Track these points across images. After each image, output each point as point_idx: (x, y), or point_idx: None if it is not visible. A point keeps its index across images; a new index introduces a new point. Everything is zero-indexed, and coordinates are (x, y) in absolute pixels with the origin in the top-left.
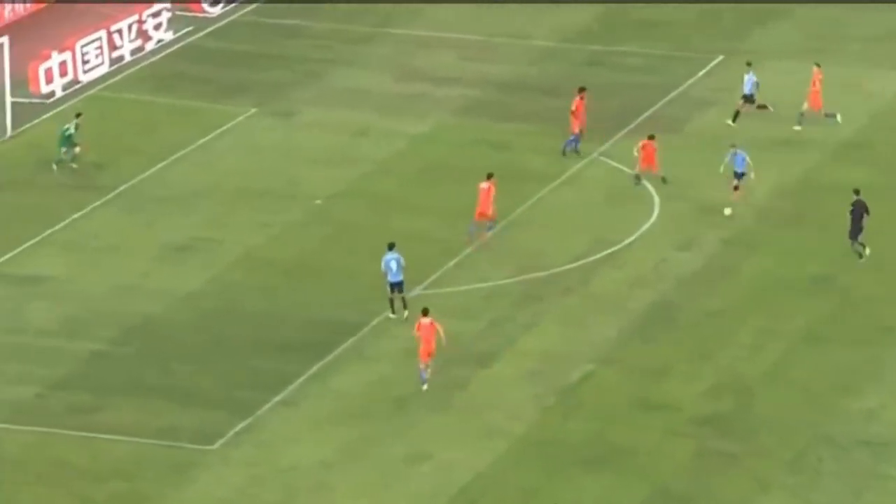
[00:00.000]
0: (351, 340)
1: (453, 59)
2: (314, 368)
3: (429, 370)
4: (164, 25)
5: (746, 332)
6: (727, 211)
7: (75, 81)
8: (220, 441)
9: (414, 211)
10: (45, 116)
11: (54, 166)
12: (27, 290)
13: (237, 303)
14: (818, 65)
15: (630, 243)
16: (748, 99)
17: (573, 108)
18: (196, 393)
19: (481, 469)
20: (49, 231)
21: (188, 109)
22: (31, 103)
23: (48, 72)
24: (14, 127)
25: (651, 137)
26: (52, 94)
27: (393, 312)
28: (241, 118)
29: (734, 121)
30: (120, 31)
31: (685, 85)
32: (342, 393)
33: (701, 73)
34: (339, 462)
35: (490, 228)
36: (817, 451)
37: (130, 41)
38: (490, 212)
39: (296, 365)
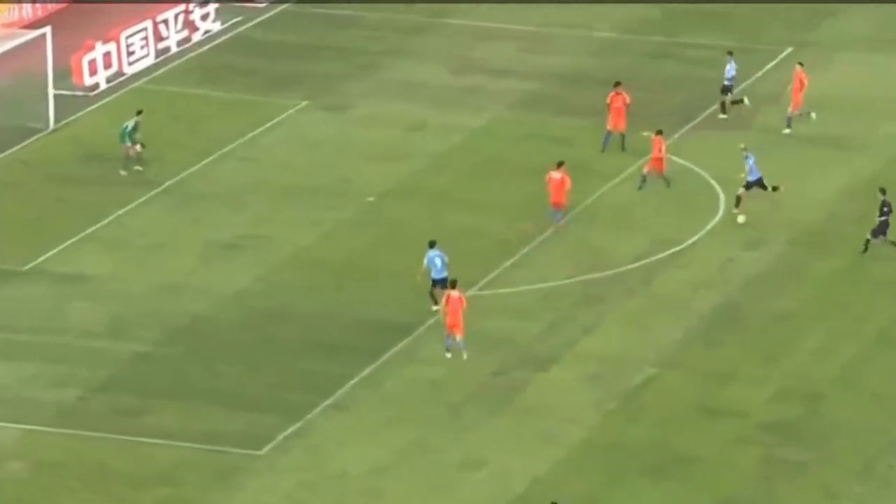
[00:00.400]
0: (404, 342)
1: (511, 50)
2: (366, 371)
3: (459, 339)
4: (212, 16)
5: (816, 335)
6: (741, 219)
7: (120, 73)
8: (269, 446)
9: (469, 208)
10: (88, 109)
11: (123, 172)
12: (70, 289)
13: (286, 303)
14: (801, 64)
15: (694, 242)
16: (725, 89)
17: (607, 101)
18: (243, 396)
19: (539, 476)
20: (93, 228)
21: (236, 103)
22: (74, 96)
23: (92, 63)
24: (57, 120)
25: (659, 133)
26: (96, 86)
27: (436, 304)
28: (291, 112)
29: (726, 112)
30: (166, 22)
31: (752, 78)
32: (394, 396)
33: (769, 66)
34: (392, 468)
35: (559, 218)
36: (888, 459)
37: (177, 32)
38: (563, 201)
39: (347, 367)
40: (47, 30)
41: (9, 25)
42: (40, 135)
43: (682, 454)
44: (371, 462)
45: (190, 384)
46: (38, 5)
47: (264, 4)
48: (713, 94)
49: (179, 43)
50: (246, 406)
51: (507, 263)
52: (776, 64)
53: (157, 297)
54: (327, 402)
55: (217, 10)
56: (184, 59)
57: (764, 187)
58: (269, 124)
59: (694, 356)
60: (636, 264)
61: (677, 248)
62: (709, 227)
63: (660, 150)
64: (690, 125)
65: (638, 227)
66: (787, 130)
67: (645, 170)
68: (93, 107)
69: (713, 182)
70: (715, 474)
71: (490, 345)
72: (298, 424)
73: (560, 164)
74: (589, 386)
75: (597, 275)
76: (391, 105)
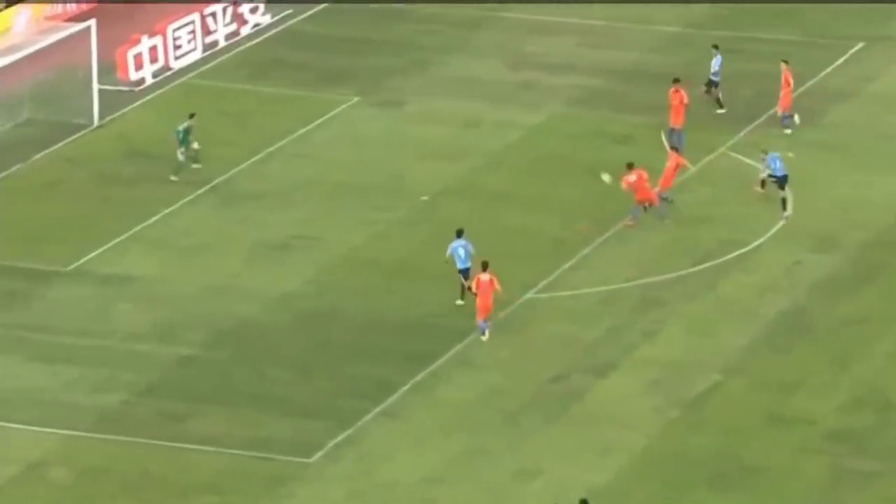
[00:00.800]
0: (458, 347)
1: (570, 44)
2: (419, 377)
3: (488, 323)
4: (261, 9)
5: (887, 341)
6: (786, 214)
7: (166, 68)
8: (318, 454)
9: (526, 207)
10: (134, 105)
11: (174, 178)
12: (114, 290)
13: (337, 305)
14: (786, 62)
15: (761, 244)
16: (711, 84)
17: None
18: (292, 401)
19: (597, 487)
20: (138, 227)
21: (286, 98)
22: (119, 91)
23: (137, 57)
24: (101, 116)
25: (674, 149)
26: (142, 81)
27: (463, 299)
28: (342, 108)
29: (720, 107)
30: (214, 15)
31: (822, 74)
32: (448, 403)
33: (839, 62)
34: (445, 477)
35: (636, 215)
36: None
37: (225, 25)
38: (652, 195)
39: (399, 373)
40: (92, 23)
41: (52, 18)
42: (84, 131)
43: (747, 464)
44: (423, 471)
45: (237, 389)
46: None
47: None
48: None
49: (228, 37)
50: (295, 412)
51: (566, 265)
52: (846, 60)
53: (203, 298)
54: (378, 408)
55: (266, 3)
56: (232, 53)
57: (781, 187)
58: (319, 121)
59: (759, 363)
60: (699, 267)
61: (742, 251)
62: (775, 228)
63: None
64: (756, 122)
65: (701, 228)
66: (788, 131)
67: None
68: (138, 102)
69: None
70: (781, 485)
71: (547, 350)
72: (349, 431)
73: (631, 166)
74: (650, 393)
75: (658, 278)
76: (445, 101)
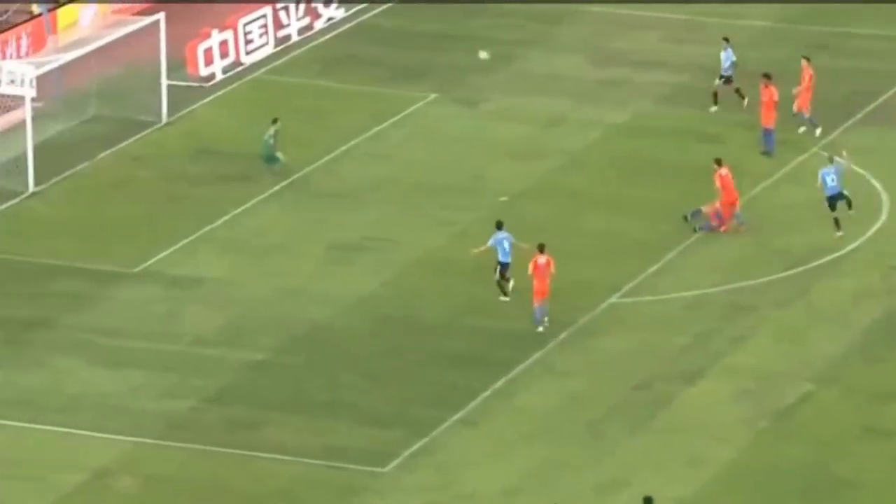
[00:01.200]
0: (539, 352)
1: (657, 40)
2: (498, 384)
3: (545, 311)
4: (336, 2)
5: None
6: (839, 234)
7: (237, 63)
8: (393, 463)
9: (610, 210)
10: (203, 101)
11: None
12: (183, 293)
13: (414, 309)
14: (808, 59)
15: (855, 248)
16: (727, 79)
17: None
18: (367, 409)
19: (684, 499)
20: (207, 227)
21: (361, 95)
22: (188, 87)
23: (207, 52)
24: (170, 113)
25: (719, 162)
26: (212, 76)
27: (504, 294)
28: (419, 105)
29: (715, 103)
30: (287, 9)
31: None
32: (529, 412)
33: None
34: (525, 489)
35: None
36: None
37: (298, 19)
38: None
39: (477, 379)
40: (161, 16)
41: (119, 11)
42: (152, 129)
43: (840, 477)
44: (503, 482)
45: (309, 396)
46: None
47: None
48: (879, 88)
49: (301, 31)
50: (369, 420)
51: (651, 269)
52: None
53: (275, 302)
54: (456, 416)
55: None
56: (305, 48)
57: (833, 207)
58: (396, 118)
59: (854, 372)
60: (791, 272)
61: (836, 255)
62: (871, 231)
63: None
64: (852, 121)
65: (793, 231)
66: (802, 129)
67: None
68: (208, 99)
69: (875, 183)
70: (876, 500)
71: (631, 356)
72: (425, 440)
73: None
74: (739, 402)
75: (747, 283)
76: (526, 99)
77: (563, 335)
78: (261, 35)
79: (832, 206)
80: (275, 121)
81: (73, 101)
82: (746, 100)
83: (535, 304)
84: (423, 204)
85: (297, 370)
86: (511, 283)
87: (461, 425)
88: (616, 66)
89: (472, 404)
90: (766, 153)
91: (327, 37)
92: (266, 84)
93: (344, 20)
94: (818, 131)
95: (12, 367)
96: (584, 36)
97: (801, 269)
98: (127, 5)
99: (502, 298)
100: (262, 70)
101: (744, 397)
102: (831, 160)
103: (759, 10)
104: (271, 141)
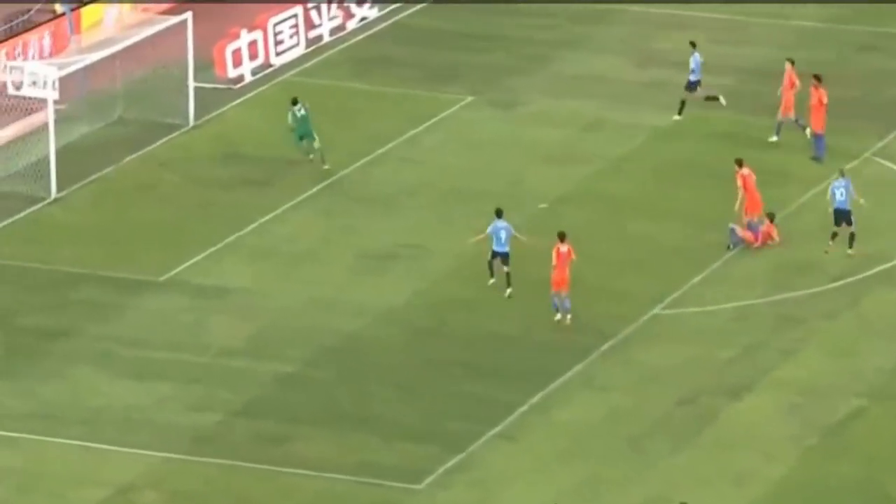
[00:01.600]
0: (579, 365)
1: (701, 40)
2: (536, 398)
3: (566, 300)
4: (369, 2)
5: None
6: (849, 251)
7: (267, 65)
8: (428, 479)
9: (653, 216)
10: (232, 104)
11: (326, 167)
12: (209, 303)
13: (448, 320)
14: (791, 62)
15: None
16: (692, 86)
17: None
18: (400, 423)
19: None
20: (235, 234)
21: (394, 97)
22: (216, 89)
23: (236, 53)
24: (197, 115)
25: (739, 163)
26: (241, 78)
27: (492, 276)
28: (455, 108)
29: (680, 113)
30: (318, 8)
31: None
32: (568, 427)
33: None
34: None
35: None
36: None
37: (330, 19)
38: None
39: (515, 393)
40: (188, 16)
41: (145, 9)
42: (179, 132)
43: (892, 496)
44: (541, 499)
45: (340, 410)
46: None
47: None
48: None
49: (333, 31)
50: (403, 435)
51: (696, 279)
52: None
53: (305, 312)
54: (493, 431)
55: None
56: (337, 49)
57: (837, 222)
58: (430, 122)
59: None
60: (841, 282)
61: (887, 265)
62: None
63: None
64: None
65: (844, 240)
66: (774, 138)
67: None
68: (237, 101)
69: None
70: None
71: (676, 369)
72: (461, 456)
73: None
74: (787, 418)
75: (796, 293)
76: (565, 101)
77: (604, 347)
78: (291, 35)
79: (836, 221)
80: (294, 101)
81: (97, 103)
82: (722, 98)
83: (553, 292)
84: (458, 210)
85: (327, 383)
86: (506, 270)
87: (498, 440)
88: (658, 67)
89: (510, 419)
90: (816, 159)
91: (360, 37)
92: (296, 86)
93: (377, 20)
94: (808, 131)
95: (33, 379)
96: (625, 36)
97: (851, 279)
98: (153, 4)
99: (490, 282)
100: (293, 71)
101: (792, 412)
102: (842, 173)
103: (807, 9)
104: (292, 122)
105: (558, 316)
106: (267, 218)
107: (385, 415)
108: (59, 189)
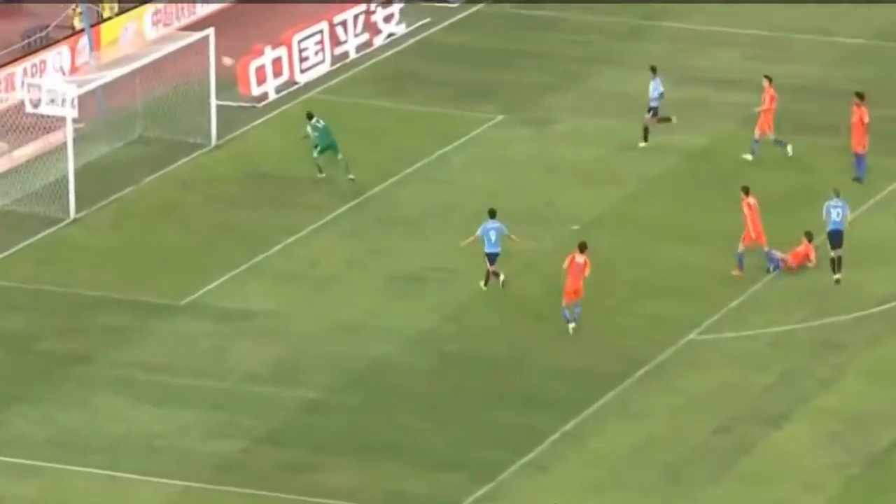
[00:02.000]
0: (612, 393)
1: (738, 58)
2: (568, 426)
3: (577, 310)
4: (396, 17)
5: None
6: (836, 276)
7: (291, 82)
8: None
9: (689, 239)
10: (255, 123)
11: (350, 176)
12: (232, 327)
13: (478, 346)
14: (769, 78)
15: None
16: (654, 111)
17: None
18: (429, 452)
19: None
20: (259, 257)
21: (423, 116)
22: (239, 107)
23: (260, 70)
24: (220, 135)
25: (746, 191)
26: (265, 96)
27: (486, 285)
28: (485, 127)
29: (646, 140)
30: (344, 24)
31: None
32: (601, 456)
33: None
34: None
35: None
36: None
37: (356, 35)
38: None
39: (547, 421)
40: (210, 32)
41: (166, 26)
42: (201, 151)
43: None
44: None
45: (367, 437)
46: (198, 5)
47: (456, 4)
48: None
49: (359, 48)
50: (431, 463)
51: (733, 304)
52: None
53: (330, 336)
54: (523, 460)
55: (402, 11)
56: (364, 66)
57: (832, 244)
58: (460, 141)
59: None
60: (884, 307)
61: None
62: None
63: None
64: None
65: (887, 263)
66: (748, 157)
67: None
68: (260, 120)
69: None
70: None
71: (712, 397)
72: (490, 486)
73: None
74: (828, 447)
75: (837, 318)
76: (599, 120)
77: (638, 373)
78: (316, 52)
79: (832, 244)
80: (310, 116)
81: (116, 121)
82: (674, 119)
83: (565, 303)
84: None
85: (353, 410)
86: (502, 278)
87: (529, 470)
88: (695, 85)
89: (540, 448)
90: (857, 179)
91: (387, 54)
92: (322, 104)
93: (405, 36)
94: (790, 149)
95: (52, 405)
96: (661, 53)
97: (894, 303)
98: (173, 19)
99: (483, 286)
100: (318, 89)
101: (834, 441)
102: (837, 194)
103: (851, 26)
104: (313, 134)
105: (572, 325)
106: (291, 239)
107: (413, 443)
108: (78, 210)
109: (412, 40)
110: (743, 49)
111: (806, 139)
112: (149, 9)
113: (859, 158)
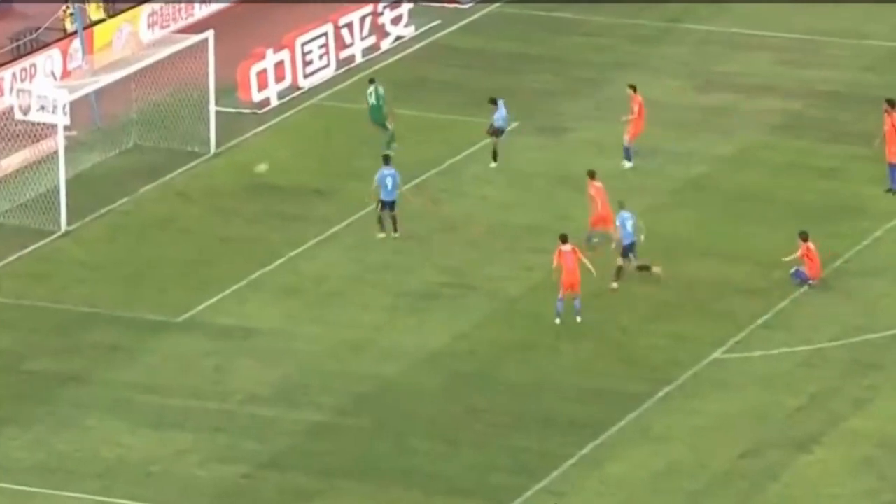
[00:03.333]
0: (632, 415)
1: (767, 62)
2: (587, 449)
3: (576, 304)
4: (405, 19)
5: None
6: (656, 269)
7: (294, 87)
8: None
9: (713, 253)
10: (256, 130)
11: (393, 145)
12: (233, 345)
13: (492, 366)
14: (633, 88)
15: None
16: (498, 131)
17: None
18: (441, 477)
19: None
20: (261, 272)
21: (432, 123)
22: (239, 113)
23: (261, 75)
24: (219, 142)
25: (592, 174)
26: (266, 102)
27: (382, 231)
28: None
29: (495, 160)
30: (350, 26)
31: None
32: (621, 482)
33: None
34: None
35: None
36: None
37: (362, 38)
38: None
39: (564, 444)
40: (209, 35)
41: (163, 28)
42: (199, 160)
43: None
44: None
45: (376, 462)
46: (196, 6)
47: (469, 5)
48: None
49: (366, 51)
50: (443, 489)
51: (760, 321)
52: None
53: (336, 355)
54: (540, 485)
55: (411, 12)
56: (371, 70)
57: (625, 255)
58: (471, 149)
59: None
60: None
61: None
62: None
63: None
64: None
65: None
66: (627, 164)
67: None
68: (262, 127)
69: None
70: None
71: (739, 419)
72: None
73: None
74: (860, 472)
75: (870, 336)
76: (619, 127)
77: (660, 394)
78: (321, 56)
79: (625, 254)
80: (371, 80)
81: (110, 129)
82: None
83: (560, 296)
84: (502, 246)
85: (361, 433)
86: (396, 234)
87: (545, 496)
88: (721, 91)
89: (558, 472)
90: (892, 190)
91: (395, 58)
92: (326, 111)
93: (414, 39)
94: (628, 165)
95: (43, 428)
96: (686, 58)
97: None
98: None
99: (379, 235)
100: (323, 95)
101: (866, 467)
102: (622, 205)
103: (887, 28)
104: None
105: (558, 321)
106: (295, 253)
107: (424, 467)
108: (70, 222)
109: (421, 43)
110: (772, 53)
111: (839, 148)
112: (144, 10)
113: (893, 168)
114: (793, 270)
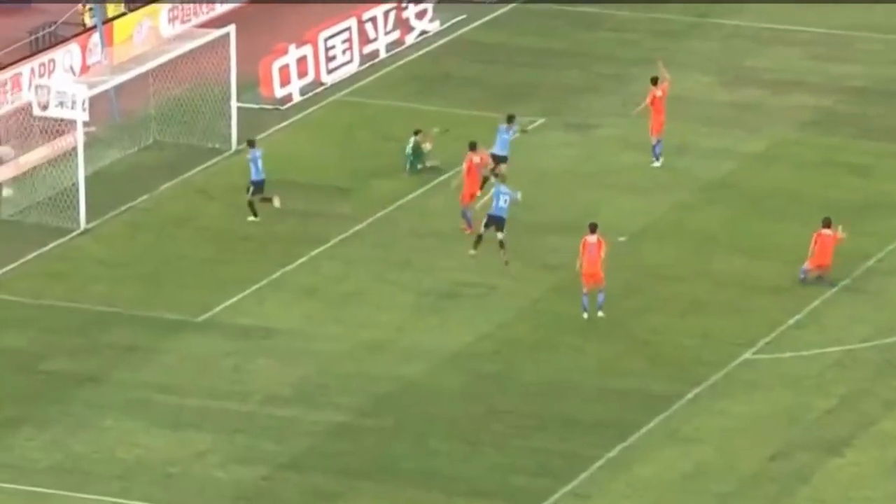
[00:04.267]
0: (661, 417)
1: (797, 57)
2: (614, 451)
3: (600, 299)
4: (429, 13)
5: None
6: (472, 252)
7: (317, 83)
8: None
9: (743, 251)
10: (278, 126)
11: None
12: (253, 345)
13: (516, 366)
14: (654, 81)
15: None
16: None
17: None
18: (463, 479)
19: None
20: (281, 271)
21: (457, 119)
22: (261, 109)
23: (283, 70)
24: (240, 139)
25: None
26: (289, 98)
27: (254, 215)
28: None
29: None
30: (374, 21)
31: None
32: (649, 484)
33: None
34: None
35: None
36: None
37: (386, 33)
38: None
39: (590, 446)
40: (230, 29)
41: (184, 23)
42: (220, 157)
43: None
44: None
45: (397, 463)
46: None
47: (493, 0)
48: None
49: (389, 46)
50: (466, 491)
51: (791, 321)
52: None
53: (357, 356)
54: (566, 488)
55: (436, 7)
56: (395, 66)
57: (500, 228)
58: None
59: None
60: None
61: None
62: None
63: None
64: None
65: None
66: (656, 164)
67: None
68: (284, 123)
69: None
70: None
71: (768, 421)
72: None
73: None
74: (892, 475)
75: None
76: (645, 123)
77: (689, 395)
78: (344, 51)
79: (499, 228)
80: (416, 132)
81: (130, 125)
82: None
83: (584, 290)
84: (527, 245)
85: (382, 434)
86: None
87: (571, 499)
88: (750, 86)
89: (584, 475)
90: None
91: (420, 53)
92: (350, 106)
93: (438, 34)
94: (657, 164)
95: (60, 429)
96: (714, 53)
97: None
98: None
99: (251, 219)
100: (346, 91)
101: None
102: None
103: None
104: (411, 156)
105: (585, 315)
106: (316, 252)
107: (446, 469)
108: (89, 220)
109: (446, 38)
110: (802, 48)
111: (869, 144)
112: (165, 5)
113: None
114: (803, 273)
